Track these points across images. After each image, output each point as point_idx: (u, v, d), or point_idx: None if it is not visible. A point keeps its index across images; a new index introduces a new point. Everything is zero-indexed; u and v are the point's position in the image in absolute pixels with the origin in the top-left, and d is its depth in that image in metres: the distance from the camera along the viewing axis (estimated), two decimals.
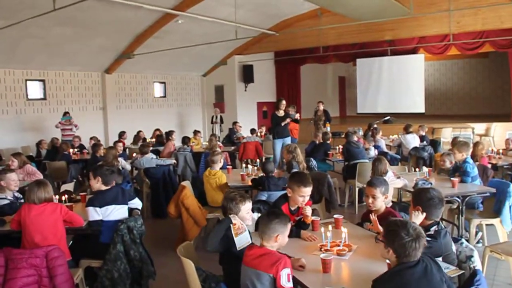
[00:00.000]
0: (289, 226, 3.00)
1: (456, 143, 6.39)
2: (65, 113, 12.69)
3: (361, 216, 4.27)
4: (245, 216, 3.49)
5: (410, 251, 2.48)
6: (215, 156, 6.50)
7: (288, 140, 10.30)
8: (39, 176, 6.72)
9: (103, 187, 4.52)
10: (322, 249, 3.32)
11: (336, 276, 2.76)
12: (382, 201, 3.89)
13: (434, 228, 3.31)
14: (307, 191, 3.90)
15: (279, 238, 2.92)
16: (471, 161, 5.93)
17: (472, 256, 3.11)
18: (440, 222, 3.51)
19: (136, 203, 4.98)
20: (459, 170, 5.94)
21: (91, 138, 11.06)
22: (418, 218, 3.35)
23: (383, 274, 2.52)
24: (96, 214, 4.32)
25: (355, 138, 8.95)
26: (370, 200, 3.89)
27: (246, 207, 3.51)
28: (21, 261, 3.46)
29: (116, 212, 4.42)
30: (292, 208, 4.03)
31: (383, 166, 5.83)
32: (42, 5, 9.04)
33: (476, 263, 3.08)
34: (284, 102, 10.31)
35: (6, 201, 4.96)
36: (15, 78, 12.85)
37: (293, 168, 6.49)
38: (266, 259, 2.79)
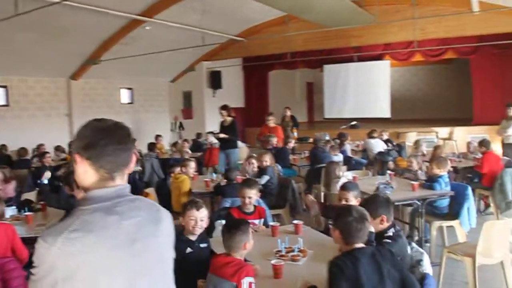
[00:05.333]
0: (250, 229, 3.04)
1: (435, 158, 6.36)
2: None
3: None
4: (188, 222, 3.46)
5: (352, 231, 2.67)
6: (185, 162, 6.83)
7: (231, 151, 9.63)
8: None
9: None
10: (277, 255, 3.35)
11: (288, 282, 2.78)
12: (355, 204, 4.00)
13: (391, 230, 3.39)
14: (249, 192, 4.32)
15: (247, 245, 2.96)
16: (446, 179, 5.83)
17: (422, 260, 3.18)
18: (396, 225, 3.58)
19: None
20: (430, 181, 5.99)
21: (56, 149, 10.88)
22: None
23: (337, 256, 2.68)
24: None
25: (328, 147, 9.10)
26: (343, 203, 3.99)
27: (190, 213, 3.47)
28: None
29: None
30: (245, 210, 4.33)
31: (335, 171, 5.94)
32: (3, 10, 8.88)
33: (425, 266, 3.15)
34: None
35: None
36: None
37: (266, 172, 6.62)
38: (230, 267, 2.81)
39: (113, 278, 1.43)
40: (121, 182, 1.58)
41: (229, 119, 9.32)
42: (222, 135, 9.19)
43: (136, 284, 1.48)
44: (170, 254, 1.68)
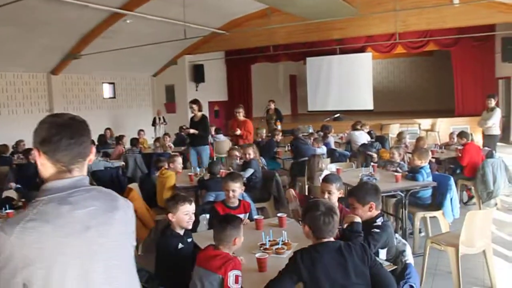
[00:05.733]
0: (241, 226, 3.08)
1: (417, 150, 6.44)
2: None
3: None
4: (182, 217, 3.47)
5: (320, 225, 2.66)
6: (172, 158, 6.81)
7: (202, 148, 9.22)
8: None
9: None
10: (262, 248, 3.35)
11: (272, 275, 2.75)
12: (337, 196, 3.99)
13: (380, 219, 3.40)
14: (232, 185, 4.26)
15: (237, 241, 2.99)
16: (427, 170, 5.90)
17: (404, 251, 3.20)
18: (384, 214, 3.60)
19: None
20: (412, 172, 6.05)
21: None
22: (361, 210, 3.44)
23: (300, 249, 2.69)
24: None
25: (312, 140, 9.13)
26: (326, 196, 3.97)
27: (184, 208, 3.48)
28: None
29: None
30: (230, 204, 4.30)
31: (318, 164, 5.96)
32: None
33: (408, 257, 3.17)
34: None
35: None
36: None
37: (251, 165, 6.60)
38: (217, 260, 2.83)
39: (69, 265, 1.51)
40: (79, 173, 1.67)
41: (199, 114, 8.83)
42: (192, 131, 8.71)
43: (92, 270, 1.56)
44: (129, 242, 1.75)
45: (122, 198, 1.76)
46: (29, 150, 8.78)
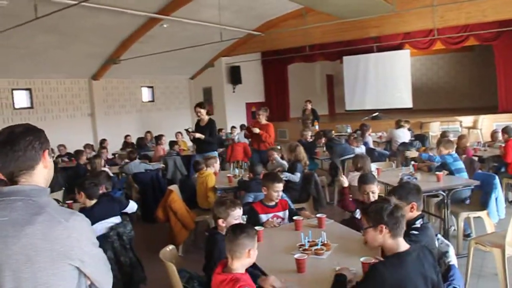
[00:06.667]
0: (256, 238, 2.82)
1: (441, 141, 6.53)
2: None
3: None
4: (233, 222, 3.42)
5: (400, 220, 2.57)
6: (209, 160, 6.78)
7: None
8: None
9: (88, 201, 4.46)
10: (301, 249, 3.33)
11: (311, 276, 2.73)
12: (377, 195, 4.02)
13: (419, 221, 3.34)
14: (280, 186, 4.34)
15: (252, 253, 2.72)
16: (454, 155, 6.06)
17: (447, 252, 3.11)
18: (424, 216, 3.53)
19: (131, 207, 4.96)
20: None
21: (85, 147, 10.93)
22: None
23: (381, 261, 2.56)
24: None
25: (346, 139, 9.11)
26: (371, 196, 4.04)
27: (235, 213, 3.49)
28: None
29: (106, 226, 4.33)
30: (268, 204, 4.37)
31: (368, 165, 5.94)
32: (23, 14, 9.00)
33: (451, 258, 3.08)
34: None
35: None
36: (0, 88, 12.77)
37: (297, 168, 6.60)
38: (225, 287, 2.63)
39: None
40: (27, 182, 1.76)
41: (206, 118, 8.19)
42: (198, 135, 8.03)
43: (2, 280, 1.62)
44: (49, 260, 1.66)
45: (54, 214, 1.70)
46: (79, 151, 9.08)
